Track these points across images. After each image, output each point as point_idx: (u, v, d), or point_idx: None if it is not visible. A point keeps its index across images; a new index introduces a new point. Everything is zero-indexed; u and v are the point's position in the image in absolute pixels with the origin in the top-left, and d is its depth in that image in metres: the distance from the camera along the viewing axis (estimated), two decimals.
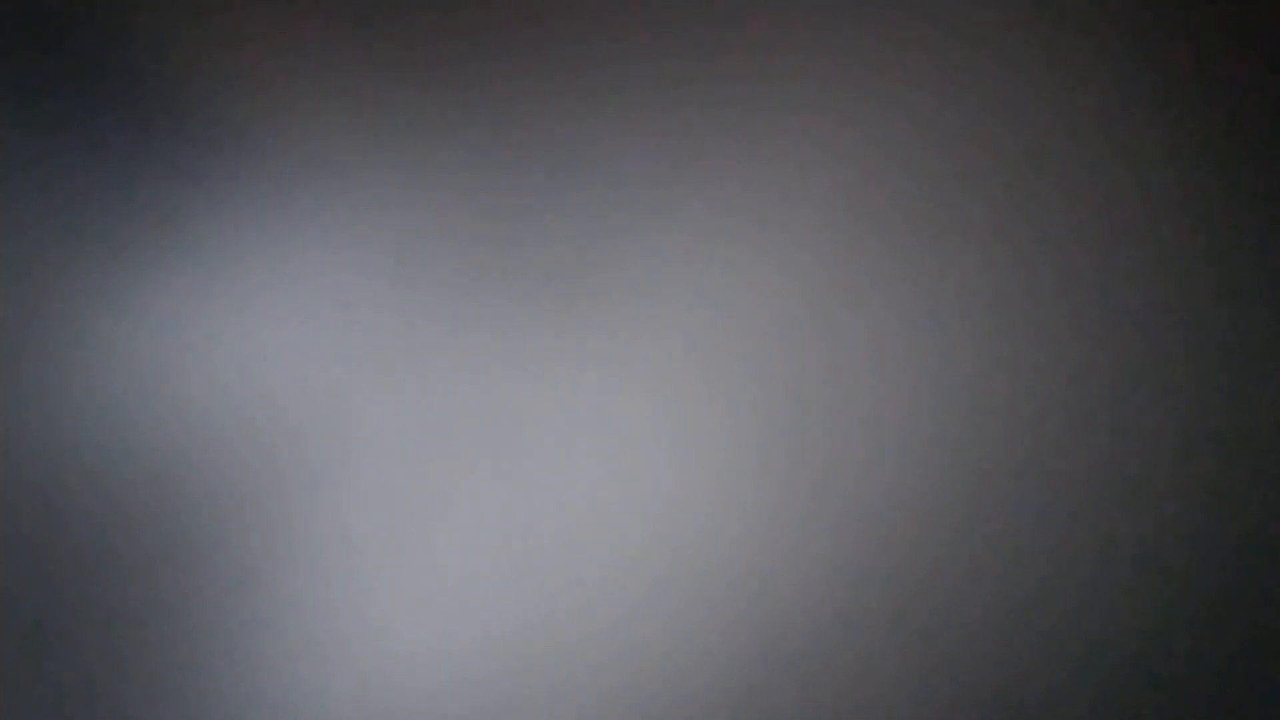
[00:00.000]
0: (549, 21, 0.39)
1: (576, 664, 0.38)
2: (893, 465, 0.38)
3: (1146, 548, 0.38)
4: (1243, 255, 0.38)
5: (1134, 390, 0.38)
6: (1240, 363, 0.38)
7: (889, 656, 0.38)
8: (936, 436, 0.38)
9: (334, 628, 0.38)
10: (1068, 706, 0.37)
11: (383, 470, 0.38)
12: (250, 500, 0.38)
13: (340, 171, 0.39)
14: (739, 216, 0.39)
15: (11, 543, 0.38)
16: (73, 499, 0.38)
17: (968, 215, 0.38)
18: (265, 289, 0.38)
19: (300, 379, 0.38)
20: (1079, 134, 0.39)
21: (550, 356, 0.38)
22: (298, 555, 0.38)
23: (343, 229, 0.38)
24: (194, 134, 0.39)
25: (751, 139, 0.39)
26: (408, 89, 0.39)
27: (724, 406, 0.38)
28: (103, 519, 0.38)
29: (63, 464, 0.38)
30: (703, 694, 0.38)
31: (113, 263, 0.38)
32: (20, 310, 0.38)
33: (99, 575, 0.38)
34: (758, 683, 0.38)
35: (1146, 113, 0.39)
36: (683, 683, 0.38)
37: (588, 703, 0.38)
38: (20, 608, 0.38)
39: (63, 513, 0.38)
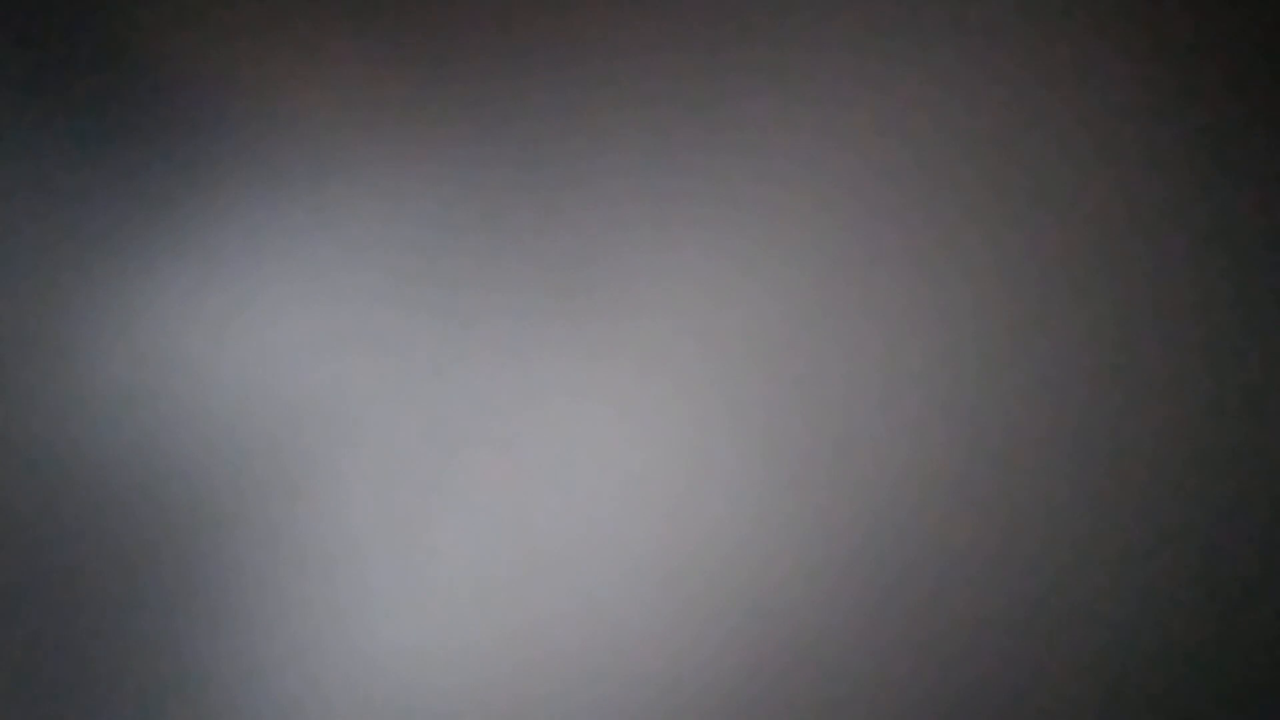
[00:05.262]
0: (556, 12, 0.39)
1: (582, 664, 0.38)
2: (904, 464, 0.38)
3: (1162, 548, 0.38)
4: (1260, 256, 0.38)
5: (1149, 390, 0.38)
6: (1255, 364, 0.38)
7: (900, 658, 0.38)
8: (948, 435, 0.38)
9: (337, 626, 0.38)
10: (1079, 710, 0.37)
11: (386, 466, 0.38)
12: (253, 497, 0.38)
13: (342, 166, 0.39)
14: (748, 209, 0.38)
15: (12, 541, 0.38)
16: (73, 496, 0.38)
17: (980, 210, 0.38)
18: (268, 285, 0.38)
19: (304, 375, 0.38)
20: (1095, 130, 0.39)
21: (556, 351, 0.38)
22: (300, 552, 0.38)
23: (345, 224, 0.38)
24: (195, 129, 0.39)
25: (762, 131, 0.39)
26: (411, 81, 0.39)
27: (732, 404, 0.38)
28: (104, 516, 0.38)
29: (63, 461, 0.38)
30: (710, 696, 0.38)
31: (114, 259, 0.38)
32: (21, 307, 0.38)
33: (100, 573, 0.38)
34: (766, 685, 0.38)
35: (1162, 109, 0.39)
36: (690, 684, 0.38)
37: (593, 704, 0.38)
38: (20, 607, 0.38)
39: (62, 510, 0.38)
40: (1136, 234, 0.38)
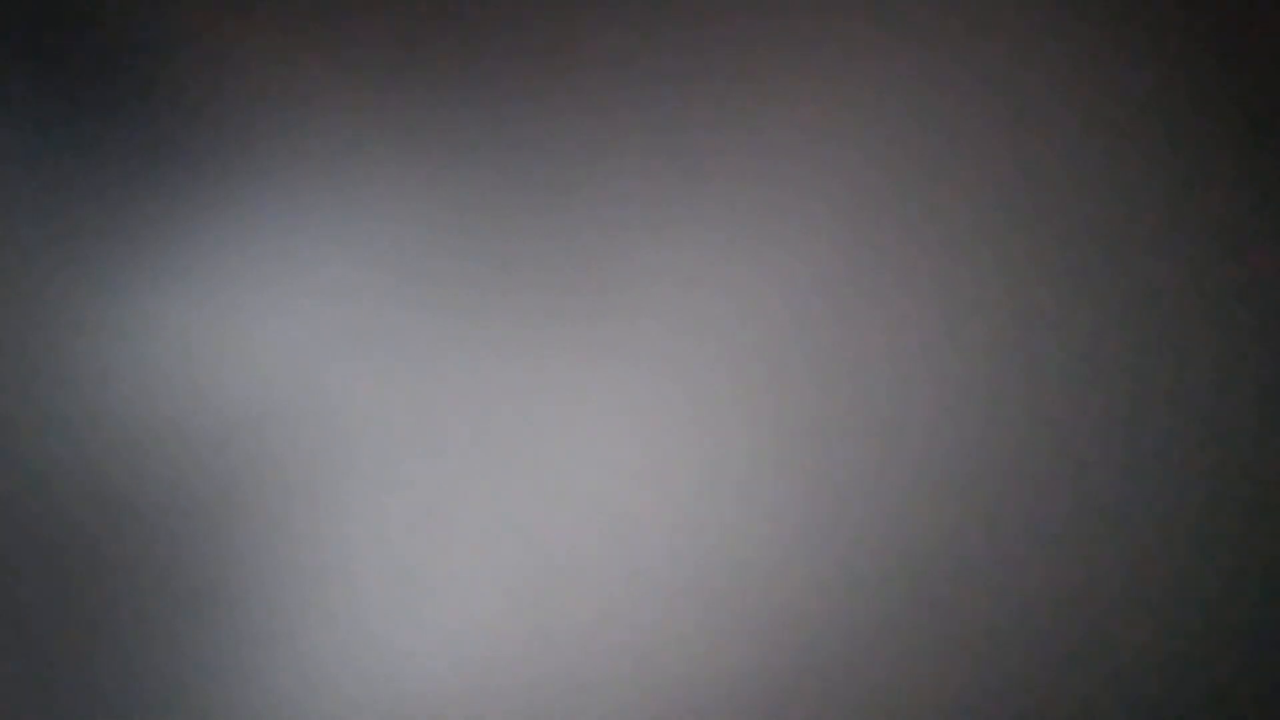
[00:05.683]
0: (559, 12, 0.39)
1: (591, 670, 0.37)
2: (914, 463, 0.38)
3: (1174, 553, 0.38)
4: (1260, 257, 0.39)
5: (1157, 390, 0.38)
6: (1259, 364, 0.38)
7: (913, 661, 0.37)
8: (957, 434, 0.38)
9: (335, 629, 0.38)
10: (1094, 713, 0.37)
11: (386, 468, 0.38)
12: (252, 499, 0.38)
13: (343, 165, 0.39)
14: (754, 209, 0.39)
15: (11, 543, 0.38)
16: (70, 497, 0.38)
17: (985, 208, 0.39)
18: (269, 285, 0.38)
19: (304, 376, 0.38)
20: (1099, 129, 0.39)
21: (561, 352, 0.38)
22: (299, 554, 0.38)
23: (346, 223, 0.39)
24: (195, 129, 0.39)
25: (769, 130, 0.39)
26: (413, 80, 0.39)
27: (742, 406, 0.38)
28: (102, 516, 0.38)
29: (61, 461, 0.38)
30: (722, 702, 0.37)
31: (113, 259, 0.38)
32: (19, 307, 0.38)
33: (99, 573, 0.38)
34: (780, 689, 0.37)
35: (1162, 109, 0.39)
36: (700, 690, 0.38)
37: (602, 711, 0.37)
38: (19, 609, 0.38)
39: (60, 511, 0.38)
40: (1137, 234, 0.39)
